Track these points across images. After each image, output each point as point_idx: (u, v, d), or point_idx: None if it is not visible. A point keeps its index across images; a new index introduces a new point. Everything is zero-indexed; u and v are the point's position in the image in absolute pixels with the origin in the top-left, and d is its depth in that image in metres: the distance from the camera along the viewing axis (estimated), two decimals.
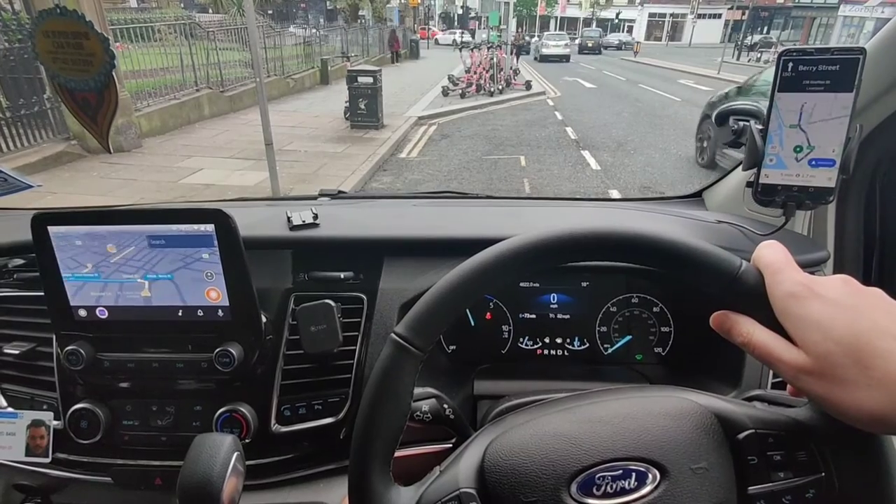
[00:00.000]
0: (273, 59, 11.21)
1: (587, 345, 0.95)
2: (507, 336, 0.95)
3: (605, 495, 0.44)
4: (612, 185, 6.09)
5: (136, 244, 0.73)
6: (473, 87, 12.14)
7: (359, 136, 7.84)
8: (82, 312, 0.76)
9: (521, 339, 0.95)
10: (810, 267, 0.87)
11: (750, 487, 0.46)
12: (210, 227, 0.71)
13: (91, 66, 0.70)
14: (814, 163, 0.74)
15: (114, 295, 0.75)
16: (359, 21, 25.66)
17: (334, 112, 9.22)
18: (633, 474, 0.44)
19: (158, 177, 5.83)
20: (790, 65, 0.70)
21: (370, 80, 7.94)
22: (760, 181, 0.77)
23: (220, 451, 0.52)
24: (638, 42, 35.07)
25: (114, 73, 0.72)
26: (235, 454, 0.53)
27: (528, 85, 13.40)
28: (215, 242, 0.72)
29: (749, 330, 0.44)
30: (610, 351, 0.95)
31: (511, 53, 14.43)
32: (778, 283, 0.42)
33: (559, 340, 0.95)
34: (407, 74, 16.12)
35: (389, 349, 0.49)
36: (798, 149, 0.74)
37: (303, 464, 0.82)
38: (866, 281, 1.00)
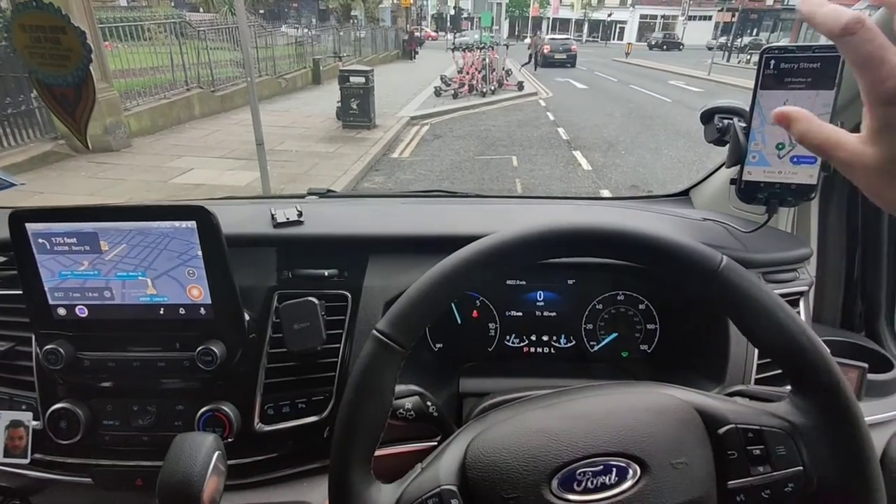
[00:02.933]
0: (264, 59, 11.14)
1: (573, 342, 0.95)
2: (493, 334, 0.95)
3: (586, 491, 0.44)
4: (604, 185, 6.11)
5: (117, 241, 0.72)
6: (466, 87, 12.15)
7: (351, 136, 7.81)
8: (61, 311, 0.75)
9: (508, 337, 0.95)
10: (793, 263, 0.87)
11: (730, 482, 0.46)
12: (192, 224, 0.70)
13: (69, 60, 0.69)
14: (796, 160, 0.74)
15: (94, 293, 0.74)
16: (351, 21, 25.60)
17: (326, 112, 9.18)
18: (614, 469, 0.44)
19: (148, 176, 5.77)
20: (772, 62, 0.70)
21: (362, 79, 7.91)
22: (744, 178, 0.77)
23: (201, 451, 0.51)
24: (630, 43, 35.38)
25: (91, 69, 0.71)
26: (216, 453, 0.52)
27: (520, 86, 13.43)
28: (197, 239, 0.71)
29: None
30: (596, 348, 0.95)
31: (531, 61, 13.84)
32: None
33: (546, 338, 0.95)
34: (399, 75, 16.10)
35: (371, 346, 0.49)
36: (780, 146, 0.74)
37: (286, 463, 0.82)
38: (849, 277, 1.02)
